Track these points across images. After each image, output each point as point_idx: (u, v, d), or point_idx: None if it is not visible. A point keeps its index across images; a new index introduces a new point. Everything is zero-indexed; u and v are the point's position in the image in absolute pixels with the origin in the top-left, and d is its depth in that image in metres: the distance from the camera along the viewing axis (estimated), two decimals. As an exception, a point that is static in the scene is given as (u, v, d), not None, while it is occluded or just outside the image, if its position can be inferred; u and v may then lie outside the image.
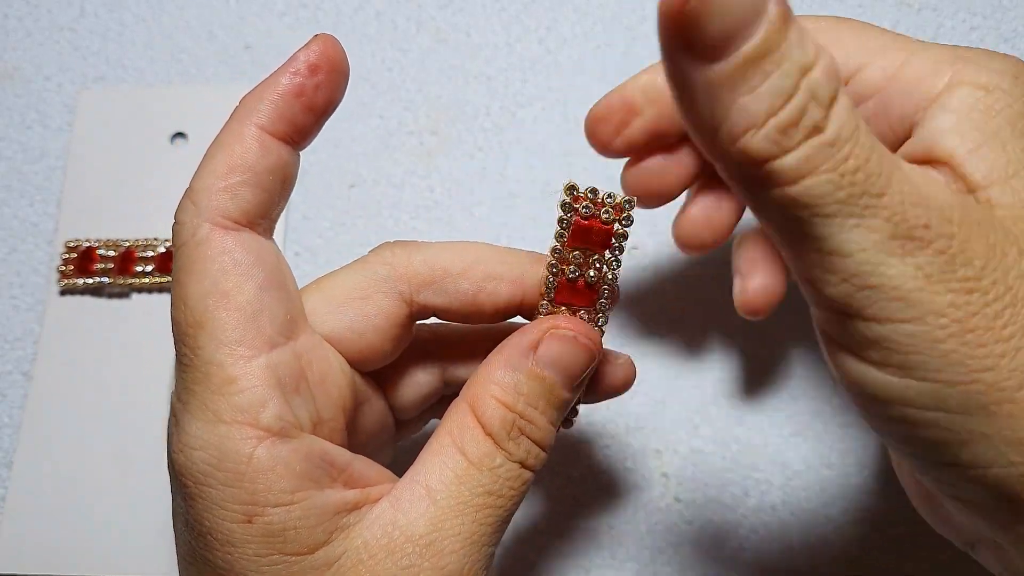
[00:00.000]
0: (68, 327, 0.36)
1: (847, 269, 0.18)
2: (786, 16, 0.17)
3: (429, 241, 0.26)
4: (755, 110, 0.17)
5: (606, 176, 0.38)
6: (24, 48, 0.41)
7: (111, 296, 0.37)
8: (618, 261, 0.26)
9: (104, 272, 0.36)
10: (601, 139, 0.27)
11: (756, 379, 0.35)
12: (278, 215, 0.24)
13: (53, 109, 0.40)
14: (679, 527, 0.34)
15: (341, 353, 0.24)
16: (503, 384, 0.23)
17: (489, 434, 0.23)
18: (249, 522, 0.20)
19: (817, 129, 0.17)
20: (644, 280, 0.37)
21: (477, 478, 0.22)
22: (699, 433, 0.35)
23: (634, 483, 0.35)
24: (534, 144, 0.39)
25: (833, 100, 0.17)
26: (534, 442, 0.23)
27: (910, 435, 0.20)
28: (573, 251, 0.25)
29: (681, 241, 0.27)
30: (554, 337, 0.24)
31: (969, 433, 0.19)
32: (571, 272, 0.25)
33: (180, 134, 0.39)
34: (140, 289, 0.37)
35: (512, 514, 0.23)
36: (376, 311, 0.24)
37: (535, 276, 0.25)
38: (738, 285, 0.25)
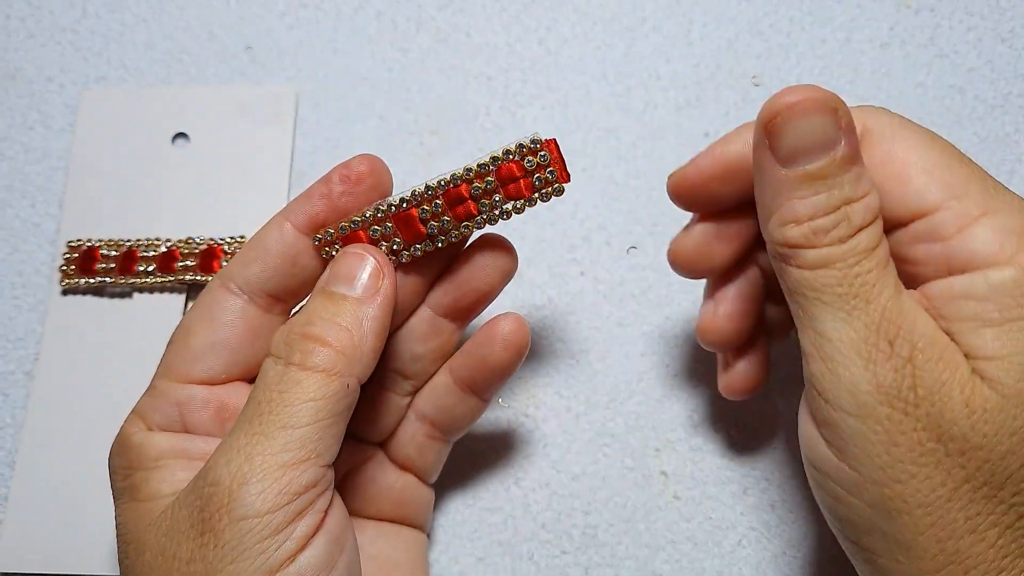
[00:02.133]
0: (70, 327, 0.37)
1: (824, 350, 0.23)
2: (849, 159, 0.23)
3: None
4: (801, 211, 0.23)
5: (606, 176, 0.39)
6: (26, 49, 0.41)
7: (113, 296, 0.37)
8: (473, 227, 0.28)
9: (106, 272, 0.36)
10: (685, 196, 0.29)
11: (755, 378, 0.36)
12: (290, 296, 0.28)
13: (55, 110, 0.40)
14: (678, 525, 0.34)
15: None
16: (293, 319, 0.26)
17: (269, 354, 0.25)
18: (124, 479, 0.26)
19: (841, 240, 0.23)
20: (644, 280, 0.37)
21: (253, 394, 0.24)
22: (698, 432, 0.35)
23: (633, 481, 0.35)
24: (534, 144, 0.39)
25: (863, 227, 0.23)
26: (311, 339, 0.25)
27: (833, 506, 0.24)
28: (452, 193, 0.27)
29: (675, 260, 0.29)
30: (332, 263, 0.27)
31: (874, 525, 0.23)
32: (424, 209, 0.27)
33: (181, 134, 0.39)
34: (142, 289, 0.37)
35: (303, 420, 0.24)
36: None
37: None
38: (722, 369, 0.29)
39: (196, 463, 0.25)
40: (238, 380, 0.27)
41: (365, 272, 0.26)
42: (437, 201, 0.27)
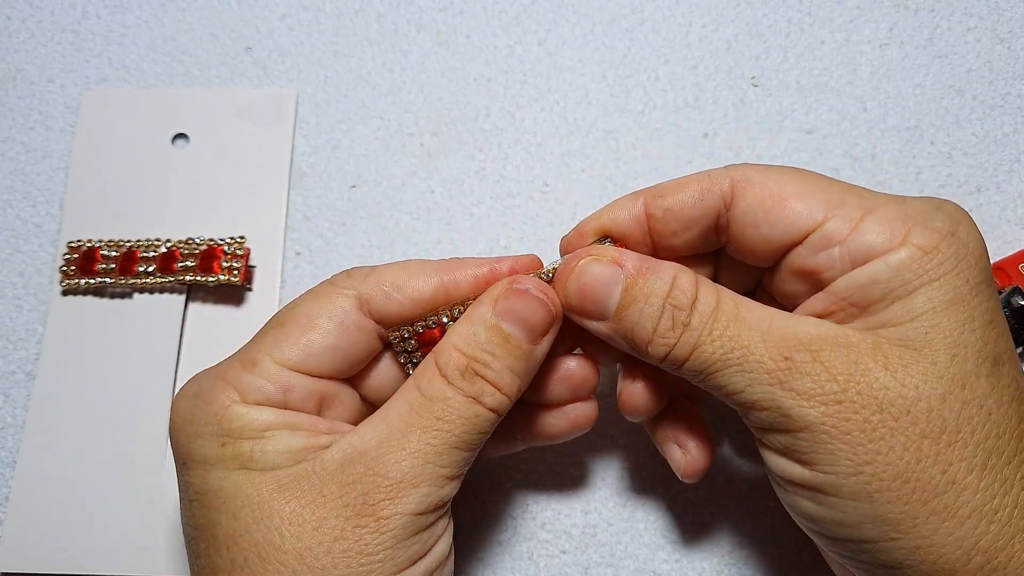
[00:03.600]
0: (71, 327, 0.37)
1: (745, 401, 0.25)
2: (636, 273, 0.26)
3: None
4: (642, 335, 0.26)
5: (605, 177, 0.39)
6: (27, 50, 0.41)
7: (113, 296, 0.37)
8: None
9: (106, 272, 0.36)
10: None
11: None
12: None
13: (56, 110, 0.40)
14: (678, 525, 0.34)
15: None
16: (463, 335, 0.27)
17: (444, 375, 0.26)
18: (222, 447, 0.26)
19: (686, 325, 0.26)
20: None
21: (428, 407, 0.26)
22: (697, 432, 0.35)
23: (633, 481, 0.35)
24: (533, 145, 0.39)
25: (694, 300, 0.26)
26: (489, 382, 0.26)
27: (817, 515, 0.25)
28: None
29: (625, 410, 0.31)
30: (511, 292, 0.27)
31: (860, 515, 0.24)
32: None
33: (182, 135, 0.39)
34: (142, 289, 0.37)
35: (469, 447, 0.26)
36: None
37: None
38: (677, 454, 0.30)
39: (302, 433, 0.27)
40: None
41: (540, 321, 0.27)
42: None
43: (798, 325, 0.25)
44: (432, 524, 0.26)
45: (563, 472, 0.35)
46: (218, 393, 0.27)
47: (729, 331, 0.25)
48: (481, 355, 0.27)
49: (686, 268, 0.27)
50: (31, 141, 0.40)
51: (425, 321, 0.28)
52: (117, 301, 0.37)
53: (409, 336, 0.28)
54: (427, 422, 0.26)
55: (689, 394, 0.31)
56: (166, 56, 0.41)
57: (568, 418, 0.30)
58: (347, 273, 0.29)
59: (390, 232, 0.38)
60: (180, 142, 0.39)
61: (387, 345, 0.29)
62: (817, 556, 0.33)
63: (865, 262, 0.25)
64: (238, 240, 0.37)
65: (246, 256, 0.37)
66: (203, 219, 0.38)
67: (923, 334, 0.24)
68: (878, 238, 0.25)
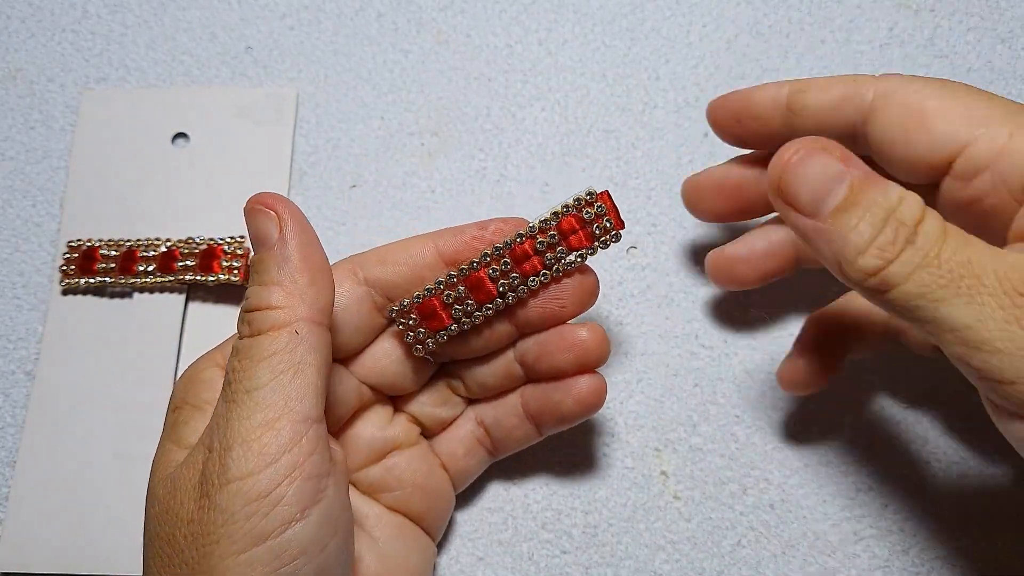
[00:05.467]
0: (70, 327, 0.37)
1: (974, 340, 0.22)
2: (864, 178, 0.23)
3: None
4: (857, 242, 0.23)
5: (605, 177, 0.39)
6: (27, 49, 0.41)
7: (113, 296, 0.37)
8: (526, 288, 0.30)
9: (106, 272, 0.36)
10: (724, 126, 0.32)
11: (754, 377, 0.36)
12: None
13: (56, 110, 0.40)
14: (678, 525, 0.34)
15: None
16: None
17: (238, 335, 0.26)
18: (174, 411, 0.27)
19: (910, 241, 0.22)
20: (644, 280, 0.37)
21: (229, 366, 0.25)
22: (698, 431, 0.35)
23: (633, 481, 0.35)
24: (534, 145, 0.39)
25: (919, 220, 0.23)
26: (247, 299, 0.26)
27: None
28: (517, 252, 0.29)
29: (719, 276, 0.30)
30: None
31: None
32: (492, 269, 0.29)
33: (182, 135, 0.39)
34: (142, 289, 0.37)
35: (260, 380, 0.24)
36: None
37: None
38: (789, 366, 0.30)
39: None
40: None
41: (270, 225, 0.26)
42: (505, 260, 0.29)
43: (1016, 255, 0.23)
44: (277, 485, 0.23)
45: (564, 472, 0.35)
46: (207, 357, 0.28)
47: (958, 256, 0.22)
48: (245, 299, 0.26)
49: (913, 192, 0.24)
50: (31, 141, 0.40)
51: (421, 292, 0.29)
52: (117, 301, 0.37)
53: (408, 307, 0.29)
54: (225, 383, 0.25)
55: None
56: (166, 56, 0.41)
57: (576, 394, 0.30)
58: (345, 258, 0.30)
59: (390, 232, 0.38)
60: (180, 142, 0.39)
61: (390, 322, 0.29)
62: (817, 556, 0.33)
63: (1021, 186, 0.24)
64: (238, 240, 0.37)
65: (246, 256, 0.37)
66: (203, 218, 0.38)
67: None
68: None
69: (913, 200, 0.23)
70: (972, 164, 0.24)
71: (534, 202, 0.38)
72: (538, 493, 0.35)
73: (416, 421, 0.32)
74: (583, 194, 0.29)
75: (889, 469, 0.34)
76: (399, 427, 0.32)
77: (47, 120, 0.40)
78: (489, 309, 0.29)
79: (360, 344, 0.30)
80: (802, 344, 0.32)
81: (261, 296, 0.25)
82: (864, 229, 0.23)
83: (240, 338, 0.25)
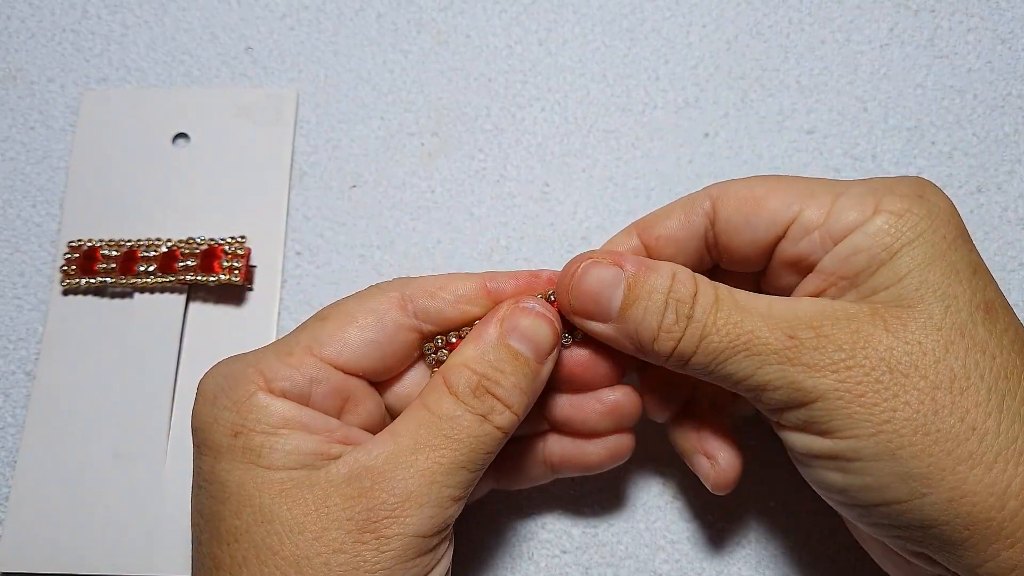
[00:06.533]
0: (71, 327, 0.37)
1: (757, 384, 0.26)
2: (638, 272, 0.27)
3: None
4: (648, 331, 0.27)
5: (605, 177, 0.39)
6: (27, 50, 0.41)
7: (113, 296, 0.37)
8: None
9: (106, 272, 0.36)
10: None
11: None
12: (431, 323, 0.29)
13: (56, 110, 0.40)
14: (678, 525, 0.34)
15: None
16: (472, 353, 0.27)
17: (453, 393, 0.26)
18: (235, 436, 0.26)
19: (690, 317, 0.26)
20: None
21: (437, 424, 0.26)
22: (698, 432, 0.35)
23: (633, 482, 0.35)
24: (534, 145, 0.39)
25: (694, 295, 0.26)
26: (498, 399, 0.27)
27: (844, 485, 0.25)
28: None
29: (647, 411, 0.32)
30: (517, 311, 0.28)
31: (886, 476, 0.24)
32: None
33: (182, 135, 0.39)
34: (142, 289, 0.37)
35: (475, 467, 0.26)
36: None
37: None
38: (705, 465, 0.31)
39: (315, 436, 0.26)
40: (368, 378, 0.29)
41: (546, 339, 0.28)
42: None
43: (797, 305, 0.26)
44: (434, 548, 0.26)
45: (563, 472, 0.35)
46: (245, 378, 0.27)
47: (732, 318, 0.26)
48: (492, 372, 0.27)
49: (682, 266, 0.27)
50: (31, 141, 0.40)
51: (459, 331, 0.29)
52: (117, 301, 0.37)
53: (443, 345, 0.29)
54: (435, 440, 0.26)
55: (716, 401, 0.32)
56: (166, 56, 0.41)
57: (608, 448, 0.31)
58: (393, 279, 0.29)
59: (390, 232, 0.38)
60: (180, 142, 0.39)
61: (421, 356, 0.29)
62: (818, 555, 0.33)
63: (844, 238, 0.26)
64: (239, 240, 0.37)
65: (247, 256, 0.37)
66: (203, 219, 0.38)
67: (914, 291, 0.25)
68: (852, 213, 0.26)
69: (685, 275, 0.27)
70: (803, 227, 0.27)
71: (533, 202, 0.38)
72: (539, 493, 0.35)
73: None
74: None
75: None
76: None
77: (47, 120, 0.40)
78: None
79: (395, 369, 0.29)
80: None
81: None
82: (650, 319, 0.26)
83: (475, 413, 0.26)
